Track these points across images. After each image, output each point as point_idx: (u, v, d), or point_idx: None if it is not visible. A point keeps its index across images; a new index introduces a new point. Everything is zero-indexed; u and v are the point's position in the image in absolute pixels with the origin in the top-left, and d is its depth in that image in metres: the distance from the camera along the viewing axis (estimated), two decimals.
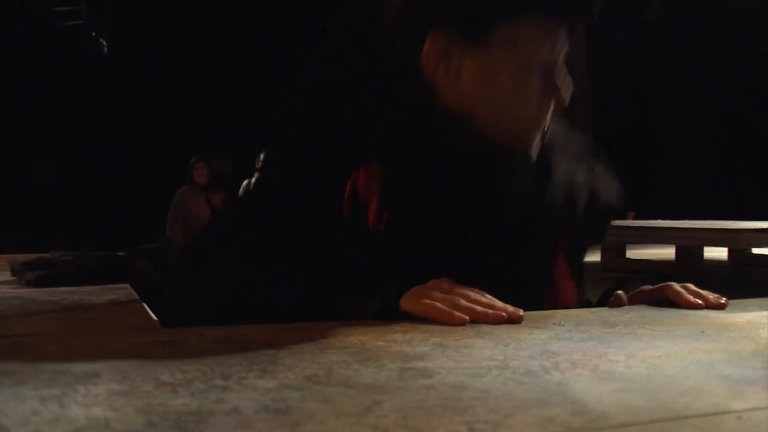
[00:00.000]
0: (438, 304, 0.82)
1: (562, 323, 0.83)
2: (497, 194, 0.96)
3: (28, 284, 1.24)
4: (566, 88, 0.98)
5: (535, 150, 0.99)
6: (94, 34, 9.70)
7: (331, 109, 0.98)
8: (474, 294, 0.85)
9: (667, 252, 3.69)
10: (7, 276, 1.37)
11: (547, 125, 1.00)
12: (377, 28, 1.00)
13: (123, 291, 1.16)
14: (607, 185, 1.08)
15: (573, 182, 1.03)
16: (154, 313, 0.98)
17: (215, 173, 5.79)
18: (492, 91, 0.96)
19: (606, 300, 1.05)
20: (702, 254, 3.37)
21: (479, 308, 0.82)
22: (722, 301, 0.97)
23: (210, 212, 5.60)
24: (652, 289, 1.01)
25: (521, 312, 0.84)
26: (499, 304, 0.85)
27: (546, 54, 0.96)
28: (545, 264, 1.00)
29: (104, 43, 9.85)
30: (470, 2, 0.95)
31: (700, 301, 0.96)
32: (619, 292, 1.03)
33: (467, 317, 0.81)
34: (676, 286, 1.00)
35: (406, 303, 0.85)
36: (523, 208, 0.97)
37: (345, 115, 0.97)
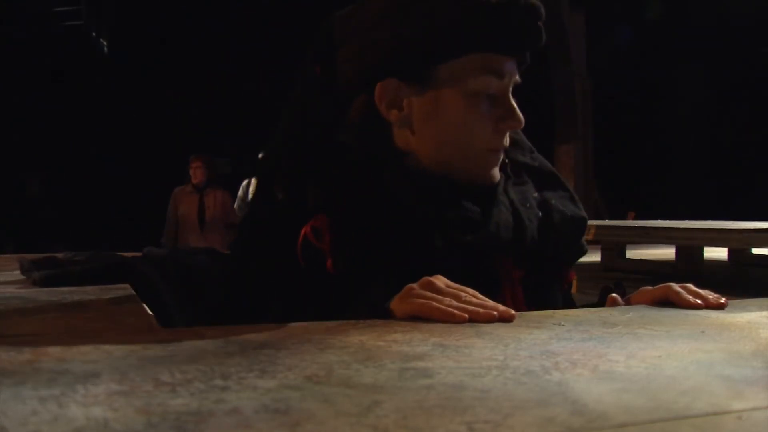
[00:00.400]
0: (435, 303, 0.82)
1: (562, 323, 0.83)
2: (444, 224, 0.97)
3: (35, 283, 1.24)
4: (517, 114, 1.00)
5: (495, 177, 1.02)
6: (94, 34, 9.71)
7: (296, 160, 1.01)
8: (465, 294, 0.85)
9: (667, 252, 3.69)
10: (10, 276, 1.37)
11: (504, 151, 1.03)
12: (336, 79, 1.03)
13: (123, 291, 1.16)
14: (566, 207, 1.08)
15: (524, 204, 1.04)
16: (154, 314, 0.98)
17: (214, 173, 5.76)
18: (443, 127, 0.99)
19: (604, 297, 1.06)
20: (702, 254, 3.37)
21: (470, 307, 0.83)
22: (722, 301, 0.97)
23: (198, 213, 5.55)
24: (652, 289, 1.01)
25: (512, 311, 0.84)
26: (490, 303, 0.85)
27: (494, 84, 0.99)
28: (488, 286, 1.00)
29: (104, 43, 9.86)
30: (407, 51, 0.98)
31: (699, 301, 0.96)
32: (613, 294, 1.03)
33: (467, 315, 0.81)
34: (676, 286, 1.00)
35: (399, 303, 0.85)
36: (472, 232, 0.98)
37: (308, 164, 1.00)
